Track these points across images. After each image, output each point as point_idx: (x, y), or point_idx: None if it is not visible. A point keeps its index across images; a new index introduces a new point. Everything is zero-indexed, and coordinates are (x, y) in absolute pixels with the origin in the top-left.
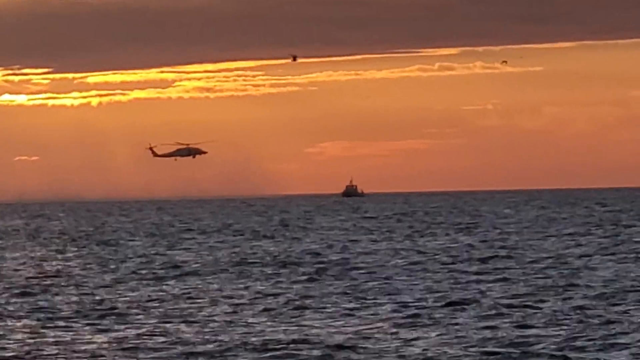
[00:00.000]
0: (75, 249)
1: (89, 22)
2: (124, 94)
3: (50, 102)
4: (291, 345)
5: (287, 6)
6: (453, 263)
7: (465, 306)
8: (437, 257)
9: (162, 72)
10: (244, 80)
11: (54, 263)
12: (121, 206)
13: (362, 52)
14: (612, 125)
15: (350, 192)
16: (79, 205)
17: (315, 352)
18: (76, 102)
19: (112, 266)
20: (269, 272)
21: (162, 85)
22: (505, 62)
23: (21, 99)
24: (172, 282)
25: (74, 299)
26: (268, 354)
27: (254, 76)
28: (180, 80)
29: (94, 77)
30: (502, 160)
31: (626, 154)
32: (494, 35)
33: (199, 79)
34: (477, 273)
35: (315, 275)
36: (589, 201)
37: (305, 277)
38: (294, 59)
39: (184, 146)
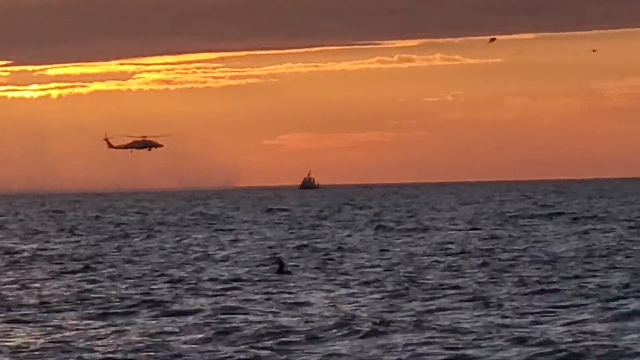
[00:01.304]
0: None
1: (48, 14)
2: (83, 86)
3: (10, 94)
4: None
5: None
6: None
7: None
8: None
9: (121, 64)
10: (204, 72)
11: None
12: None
13: (321, 44)
14: (573, 118)
15: (308, 184)
16: (36, 198)
17: None
18: (36, 95)
19: None
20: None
21: (121, 77)
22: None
23: None
24: None
25: None
26: None
27: (214, 68)
28: (140, 72)
29: (54, 69)
30: (464, 152)
31: (587, 145)
32: (454, 27)
33: (158, 71)
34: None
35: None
36: (536, 194)
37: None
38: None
39: (140, 138)
